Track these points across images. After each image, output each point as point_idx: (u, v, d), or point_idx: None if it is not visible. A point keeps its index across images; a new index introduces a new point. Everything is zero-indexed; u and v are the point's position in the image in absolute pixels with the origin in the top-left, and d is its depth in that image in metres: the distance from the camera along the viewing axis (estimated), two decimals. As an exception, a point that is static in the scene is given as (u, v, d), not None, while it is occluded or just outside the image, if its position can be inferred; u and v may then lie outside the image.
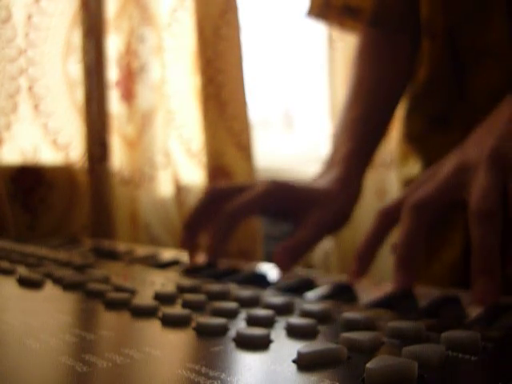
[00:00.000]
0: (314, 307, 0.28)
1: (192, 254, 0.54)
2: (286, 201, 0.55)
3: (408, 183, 0.73)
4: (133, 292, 0.32)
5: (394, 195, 1.10)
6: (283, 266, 0.49)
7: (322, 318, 0.27)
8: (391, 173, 1.15)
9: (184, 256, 0.54)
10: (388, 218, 0.45)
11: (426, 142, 0.70)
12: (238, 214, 0.53)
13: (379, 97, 0.67)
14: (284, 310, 0.29)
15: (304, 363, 0.20)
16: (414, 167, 0.72)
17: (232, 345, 0.23)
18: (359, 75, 0.69)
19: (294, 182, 0.58)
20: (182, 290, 0.33)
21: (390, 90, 0.69)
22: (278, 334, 0.24)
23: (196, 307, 0.29)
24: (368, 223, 0.72)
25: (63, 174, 0.75)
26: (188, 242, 0.54)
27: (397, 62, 0.69)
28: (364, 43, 0.71)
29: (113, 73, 0.84)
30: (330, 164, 0.62)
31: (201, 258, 0.53)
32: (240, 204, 0.52)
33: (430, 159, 0.68)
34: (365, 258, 0.45)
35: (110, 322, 0.27)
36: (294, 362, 0.20)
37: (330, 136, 0.66)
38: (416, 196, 0.41)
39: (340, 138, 0.65)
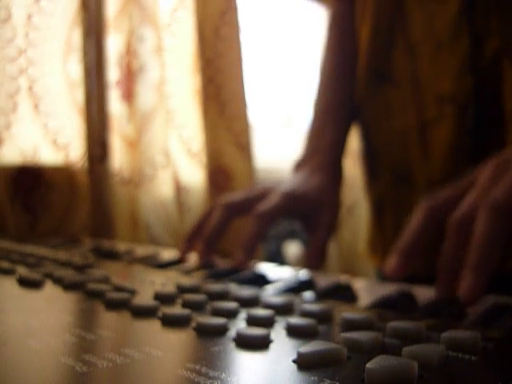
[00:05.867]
0: (314, 307, 0.28)
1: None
2: (298, 209, 0.60)
3: None
4: (133, 292, 0.32)
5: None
6: (315, 267, 0.54)
7: (322, 317, 0.27)
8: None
9: (190, 257, 0.54)
10: (436, 214, 0.41)
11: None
12: (266, 219, 0.55)
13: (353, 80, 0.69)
14: (284, 309, 0.29)
15: (304, 363, 0.20)
16: None
17: (232, 345, 0.23)
18: (330, 51, 0.72)
19: (297, 186, 0.61)
20: (182, 290, 0.33)
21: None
22: (278, 333, 0.24)
23: (196, 307, 0.29)
24: (367, 223, 0.72)
25: (63, 174, 0.75)
26: (187, 249, 0.56)
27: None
28: (332, 18, 0.73)
29: (113, 73, 0.84)
30: (315, 150, 0.66)
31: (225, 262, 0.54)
32: (266, 210, 0.55)
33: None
34: (409, 254, 0.41)
35: (110, 322, 0.27)
36: (294, 361, 0.20)
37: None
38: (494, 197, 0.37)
39: (320, 122, 0.68)
